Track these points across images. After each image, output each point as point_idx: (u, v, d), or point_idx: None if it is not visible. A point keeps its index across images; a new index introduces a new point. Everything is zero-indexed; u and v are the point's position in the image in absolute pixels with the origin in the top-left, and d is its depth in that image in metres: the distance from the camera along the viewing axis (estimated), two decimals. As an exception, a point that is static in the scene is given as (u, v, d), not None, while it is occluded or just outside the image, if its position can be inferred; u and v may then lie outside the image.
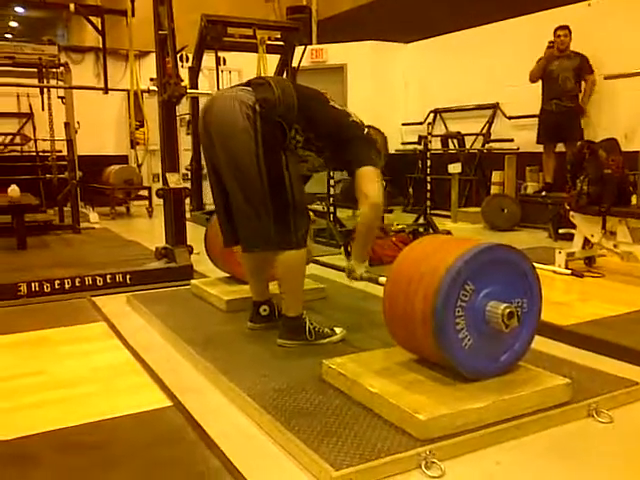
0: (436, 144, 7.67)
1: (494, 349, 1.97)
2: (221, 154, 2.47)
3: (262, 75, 5.99)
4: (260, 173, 2.37)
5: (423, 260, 1.97)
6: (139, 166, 7.97)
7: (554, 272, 3.93)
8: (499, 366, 1.99)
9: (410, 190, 8.45)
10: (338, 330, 2.64)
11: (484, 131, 7.66)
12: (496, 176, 7.22)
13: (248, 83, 2.52)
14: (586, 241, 4.02)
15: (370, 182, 2.46)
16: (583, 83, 6.01)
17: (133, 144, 6.41)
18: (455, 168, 7.02)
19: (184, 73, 5.84)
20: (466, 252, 1.87)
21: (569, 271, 3.89)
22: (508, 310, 1.86)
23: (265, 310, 2.80)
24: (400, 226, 5.08)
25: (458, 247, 1.93)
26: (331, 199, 5.35)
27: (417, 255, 2.04)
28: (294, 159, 2.48)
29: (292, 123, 2.43)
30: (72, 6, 5.24)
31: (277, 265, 2.51)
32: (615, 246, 3.82)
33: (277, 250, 2.46)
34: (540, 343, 2.50)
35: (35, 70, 6.92)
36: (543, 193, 6.16)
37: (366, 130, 2.61)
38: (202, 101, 7.79)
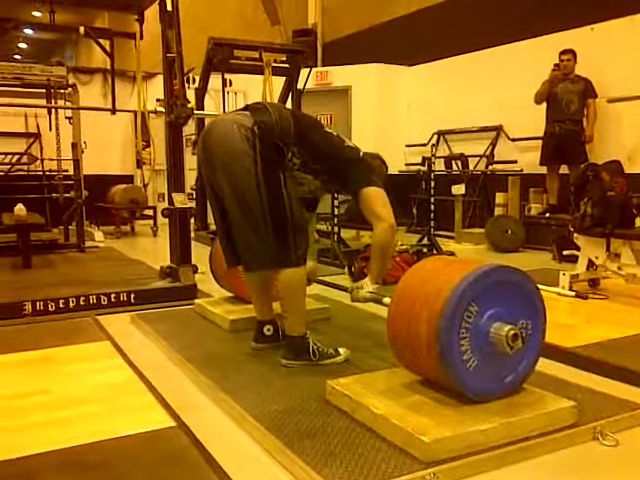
0: (440, 165, 7.70)
1: (499, 371, 1.97)
2: (221, 175, 2.51)
3: (265, 99, 6.05)
4: (259, 193, 2.40)
5: (428, 281, 1.98)
6: (145, 186, 8.02)
7: (558, 294, 3.92)
8: (504, 388, 1.98)
9: (414, 211, 8.46)
10: (342, 351, 2.64)
11: (487, 153, 7.70)
12: (500, 197, 7.23)
13: (246, 107, 2.59)
14: (590, 263, 4.02)
15: (380, 204, 2.51)
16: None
17: (139, 164, 6.47)
18: (459, 189, 7.04)
19: (191, 94, 5.91)
20: (470, 273, 1.88)
21: (573, 293, 3.88)
22: (512, 332, 1.86)
23: (269, 330, 2.81)
24: (404, 247, 5.09)
25: (462, 268, 1.93)
26: (335, 219, 5.37)
27: (422, 276, 2.04)
28: (292, 179, 2.53)
29: (289, 145, 2.48)
30: (82, 29, 5.33)
31: (277, 283, 2.54)
32: (619, 268, 3.82)
33: (277, 268, 2.48)
34: (545, 365, 2.49)
35: (43, 91, 7.01)
36: (547, 215, 6.18)
37: (362, 153, 2.66)
38: (208, 122, 7.90)
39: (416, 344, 1.94)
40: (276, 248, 2.45)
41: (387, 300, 2.29)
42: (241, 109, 2.61)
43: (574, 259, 4.24)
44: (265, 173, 2.40)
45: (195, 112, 4.84)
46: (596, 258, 3.93)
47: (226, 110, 7.41)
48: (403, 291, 2.06)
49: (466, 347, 1.87)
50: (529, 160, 6.85)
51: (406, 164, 8.73)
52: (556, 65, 6.07)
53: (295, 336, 2.56)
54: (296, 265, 2.47)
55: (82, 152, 6.79)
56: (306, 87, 6.85)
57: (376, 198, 2.52)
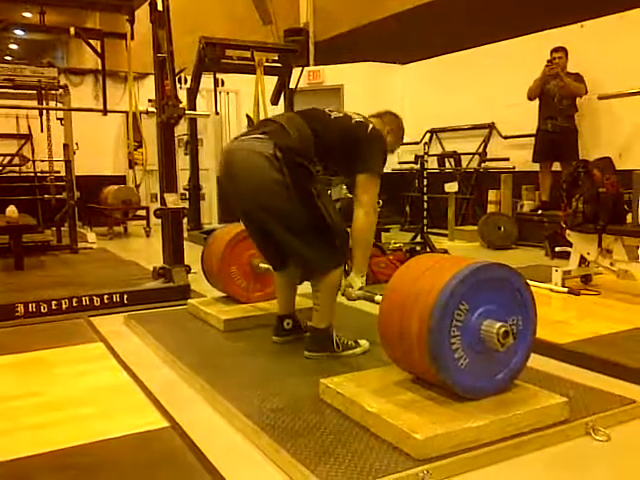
0: (433, 163, 7.72)
1: (490, 368, 1.98)
2: (256, 208, 2.56)
3: (258, 99, 6.03)
4: (299, 214, 2.48)
5: (418, 279, 1.98)
6: (137, 186, 8.00)
7: (551, 290, 3.94)
8: (495, 385, 1.99)
9: (407, 209, 8.49)
10: (362, 342, 2.72)
11: (480, 150, 7.72)
12: (492, 195, 7.26)
13: (262, 131, 2.55)
14: (582, 259, 4.04)
15: (366, 190, 2.55)
16: (578, 101, 6.07)
17: (131, 164, 6.45)
18: (452, 187, 7.06)
19: (182, 94, 5.89)
20: (460, 271, 1.88)
21: (566, 289, 3.90)
22: (503, 329, 1.86)
23: (288, 324, 2.89)
24: (397, 244, 5.10)
25: (453, 266, 1.94)
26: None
27: (412, 274, 2.05)
28: (321, 186, 2.56)
29: (311, 158, 2.49)
30: (72, 30, 5.31)
31: (320, 285, 2.59)
32: (611, 264, 3.84)
33: (330, 271, 2.56)
34: (537, 361, 2.50)
35: (34, 92, 6.97)
36: (539, 211, 6.19)
37: (370, 127, 2.63)
38: (200, 122, 7.88)
39: (407, 343, 1.94)
40: (327, 255, 2.55)
41: (379, 298, 2.30)
42: (257, 131, 2.57)
43: (566, 255, 4.26)
44: (299, 194, 2.46)
45: (187, 112, 4.83)
46: (588, 254, 3.95)
47: (218, 111, 7.41)
48: (394, 290, 2.06)
49: (457, 345, 1.88)
50: (521, 157, 6.87)
51: (399, 162, 8.74)
52: (549, 61, 6.08)
53: (321, 328, 2.63)
54: (342, 264, 2.60)
55: (74, 153, 6.76)
56: (298, 86, 6.86)
57: (363, 184, 2.55)
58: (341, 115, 2.66)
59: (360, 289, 2.57)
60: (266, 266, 3.23)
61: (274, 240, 2.64)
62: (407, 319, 1.93)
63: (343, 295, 2.64)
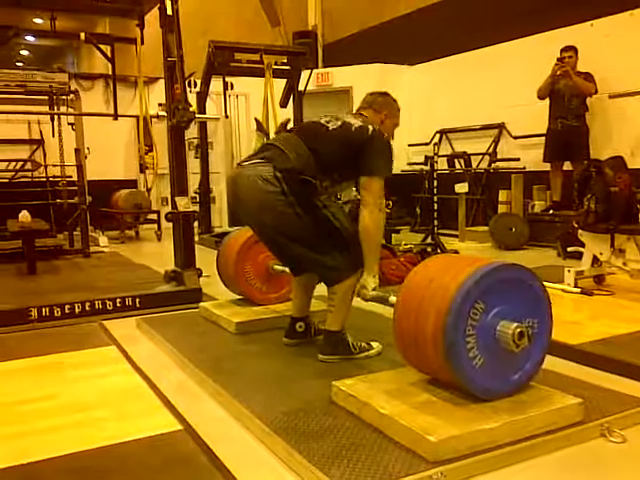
0: (442, 164, 7.70)
1: (505, 369, 1.97)
2: (267, 228, 2.65)
3: (267, 101, 6.05)
4: (308, 227, 2.52)
5: (434, 280, 1.98)
6: (148, 190, 8.04)
7: (563, 291, 3.91)
8: (510, 386, 1.98)
9: (417, 210, 8.46)
10: (375, 344, 2.72)
11: (490, 151, 7.69)
12: (503, 195, 7.23)
13: (262, 156, 2.60)
14: (595, 259, 4.01)
15: (369, 191, 2.55)
16: (588, 100, 6.04)
17: (142, 168, 6.49)
18: (462, 188, 7.04)
19: (192, 98, 5.92)
20: (477, 271, 1.88)
21: (578, 289, 3.87)
22: (519, 330, 1.86)
23: (301, 327, 2.90)
24: (408, 246, 5.09)
25: (469, 266, 1.93)
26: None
27: (427, 275, 2.04)
28: (327, 196, 2.60)
29: (314, 175, 2.52)
30: (83, 35, 5.35)
31: (336, 290, 2.60)
32: (624, 264, 3.81)
33: (347, 278, 2.58)
34: (551, 362, 2.48)
35: (46, 97, 7.04)
36: (551, 212, 6.17)
37: (370, 129, 2.60)
38: (210, 125, 7.91)
39: (423, 343, 1.94)
40: (342, 262, 2.57)
41: (393, 299, 2.30)
42: (258, 157, 2.62)
43: (579, 256, 4.23)
44: (304, 208, 2.51)
45: (197, 116, 4.86)
46: (601, 254, 3.92)
47: (228, 114, 7.44)
48: (409, 290, 2.06)
49: (472, 345, 1.87)
50: (532, 157, 6.85)
51: (409, 163, 8.73)
52: (559, 60, 6.05)
53: (334, 330, 2.64)
54: (357, 270, 2.59)
55: (85, 158, 6.82)
56: (307, 88, 6.87)
57: (365, 185, 2.56)
58: (339, 124, 2.63)
59: (374, 289, 2.57)
60: (281, 268, 3.27)
61: (288, 253, 2.69)
62: (423, 318, 1.92)
63: (358, 296, 2.64)
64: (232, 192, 2.74)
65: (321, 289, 2.78)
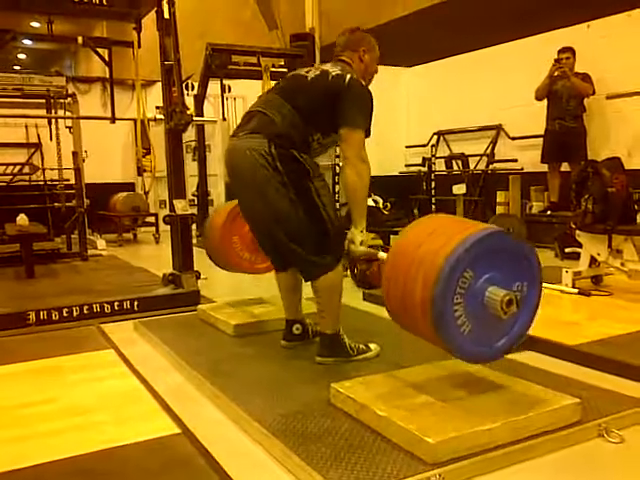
0: (440, 166, 7.71)
1: (492, 334, 1.95)
2: (258, 202, 2.56)
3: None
4: (297, 212, 2.47)
5: (422, 245, 1.93)
6: (146, 193, 8.04)
7: (561, 291, 3.92)
8: (495, 351, 1.97)
9: (415, 211, 8.46)
10: (372, 346, 2.71)
11: (488, 152, 7.71)
12: (501, 196, 7.23)
13: (250, 126, 2.55)
14: (593, 260, 4.02)
15: (349, 144, 2.47)
16: (586, 101, 6.05)
17: (140, 171, 6.49)
18: (460, 189, 7.05)
19: (190, 101, 5.92)
20: (466, 239, 1.83)
21: (576, 290, 3.88)
22: (507, 297, 1.83)
23: (298, 329, 2.88)
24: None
25: (458, 231, 1.90)
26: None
27: (418, 238, 1.99)
28: (321, 184, 2.55)
29: (304, 132, 2.48)
30: (80, 39, 5.35)
31: (318, 287, 2.57)
32: (622, 264, 3.82)
33: (324, 274, 2.53)
34: (549, 363, 2.50)
35: (43, 101, 7.04)
36: (548, 212, 6.17)
37: (348, 77, 2.53)
38: (208, 128, 7.91)
39: (411, 307, 1.92)
40: (321, 258, 2.52)
41: (382, 255, 2.30)
42: (245, 125, 2.58)
43: (576, 256, 4.24)
44: (297, 190, 2.47)
45: (194, 118, 4.86)
46: (598, 255, 3.93)
47: (226, 116, 7.44)
48: (398, 254, 2.02)
49: (460, 312, 1.85)
50: (529, 158, 6.86)
51: (406, 165, 8.74)
52: (556, 61, 6.06)
53: (330, 333, 2.63)
54: (336, 268, 2.55)
55: (83, 161, 6.82)
56: (305, 91, 6.85)
57: (345, 138, 2.48)
58: (318, 73, 2.60)
59: (361, 244, 2.51)
60: None
61: (274, 239, 2.62)
62: (411, 282, 1.89)
63: (347, 255, 2.59)
64: (229, 168, 2.67)
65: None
